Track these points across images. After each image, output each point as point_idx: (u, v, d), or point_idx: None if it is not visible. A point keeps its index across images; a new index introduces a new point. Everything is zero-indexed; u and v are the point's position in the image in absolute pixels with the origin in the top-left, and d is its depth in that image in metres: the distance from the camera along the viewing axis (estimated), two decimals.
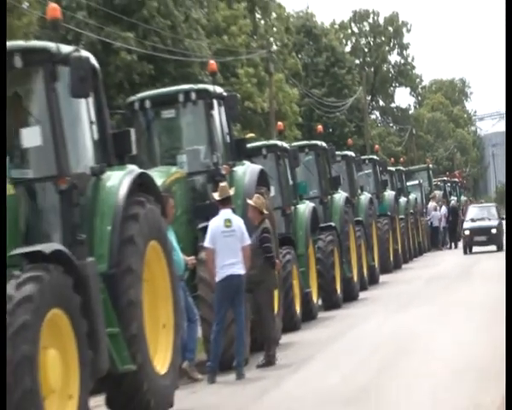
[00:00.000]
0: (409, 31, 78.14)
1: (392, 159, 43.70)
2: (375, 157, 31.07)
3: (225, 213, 11.56)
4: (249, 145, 15.82)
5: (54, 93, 8.39)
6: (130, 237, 8.72)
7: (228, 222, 11.48)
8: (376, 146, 43.76)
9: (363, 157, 29.54)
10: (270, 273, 12.29)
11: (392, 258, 28.01)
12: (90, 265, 8.27)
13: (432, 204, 38.33)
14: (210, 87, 13.57)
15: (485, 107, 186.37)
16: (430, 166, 46.85)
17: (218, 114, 13.46)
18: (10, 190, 8.14)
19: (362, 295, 21.26)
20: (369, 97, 67.70)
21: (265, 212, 12.33)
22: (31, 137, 8.43)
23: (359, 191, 25.24)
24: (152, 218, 9.17)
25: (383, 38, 77.24)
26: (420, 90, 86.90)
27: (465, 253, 31.53)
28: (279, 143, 18.18)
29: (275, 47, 42.20)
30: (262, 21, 43.25)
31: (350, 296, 20.28)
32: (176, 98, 13.36)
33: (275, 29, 44.89)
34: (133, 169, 9.22)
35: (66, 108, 8.52)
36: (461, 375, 9.91)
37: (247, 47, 36.39)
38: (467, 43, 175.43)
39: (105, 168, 8.98)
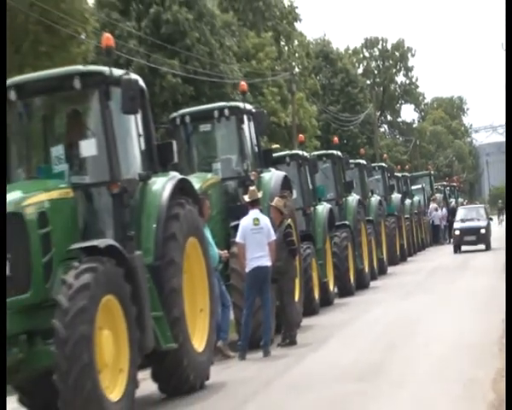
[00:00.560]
0: (413, 55, 77.70)
1: (399, 166, 43.33)
2: (383, 165, 30.83)
3: (254, 213, 11.54)
4: (274, 154, 15.75)
5: (107, 110, 8.41)
6: (172, 234, 8.72)
7: (256, 221, 11.45)
8: (385, 155, 43.38)
9: (373, 164, 29.30)
10: (292, 264, 12.28)
11: (398, 252, 27.77)
12: (138, 257, 8.28)
13: (433, 205, 38.02)
14: (241, 104, 13.53)
15: (479, 121, 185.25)
16: (432, 172, 46.38)
17: (248, 127, 13.42)
18: (70, 193, 8.18)
19: (372, 284, 21.13)
20: (378, 113, 67.27)
21: (285, 212, 12.32)
22: (88, 148, 8.44)
23: (370, 194, 25.07)
24: (191, 217, 9.17)
25: (391, 62, 76.76)
26: (423, 107, 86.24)
27: (455, 252, 29.06)
28: (300, 152, 18.11)
29: (296, 70, 42.08)
30: (286, 48, 43.13)
31: (362, 285, 20.15)
32: (211, 114, 13.33)
33: (297, 54, 44.79)
34: (175, 175, 9.22)
35: (118, 123, 8.53)
36: (458, 353, 9.82)
37: (272, 70, 36.32)
38: (464, 65, 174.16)
39: (151, 174, 8.98)
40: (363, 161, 25.67)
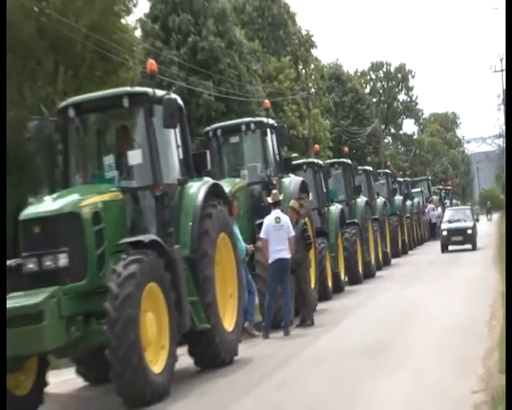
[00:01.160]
0: (413, 77, 76.98)
1: (401, 172, 43.02)
2: (387, 171, 30.68)
3: (276, 212, 11.53)
4: (293, 162, 15.75)
5: (151, 125, 8.44)
6: (206, 230, 8.74)
7: (278, 219, 11.44)
8: (388, 163, 43.18)
9: (378, 171, 29.20)
10: (307, 256, 12.28)
11: (400, 246, 27.59)
12: (177, 251, 8.30)
13: (430, 206, 37.79)
14: (264, 120, 13.53)
15: (471, 133, 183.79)
16: (429, 177, 46.00)
17: (271, 139, 13.43)
18: (119, 196, 8.23)
19: (378, 273, 21.01)
20: (383, 126, 66.79)
21: (301, 212, 12.32)
22: (134, 157, 8.49)
23: (376, 196, 24.96)
24: (222, 216, 9.18)
25: (394, 82, 76.17)
26: (421, 121, 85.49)
27: (443, 251, 26.04)
28: (316, 160, 18.09)
29: (312, 90, 41.95)
30: (303, 71, 43.02)
31: (369, 275, 20.05)
32: (239, 128, 13.37)
33: (313, 76, 44.64)
34: (208, 180, 9.23)
35: (160, 135, 8.56)
36: (452, 335, 9.72)
37: (291, 90, 36.25)
38: (457, 85, 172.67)
39: (188, 179, 9.00)
40: (369, 168, 25.58)
